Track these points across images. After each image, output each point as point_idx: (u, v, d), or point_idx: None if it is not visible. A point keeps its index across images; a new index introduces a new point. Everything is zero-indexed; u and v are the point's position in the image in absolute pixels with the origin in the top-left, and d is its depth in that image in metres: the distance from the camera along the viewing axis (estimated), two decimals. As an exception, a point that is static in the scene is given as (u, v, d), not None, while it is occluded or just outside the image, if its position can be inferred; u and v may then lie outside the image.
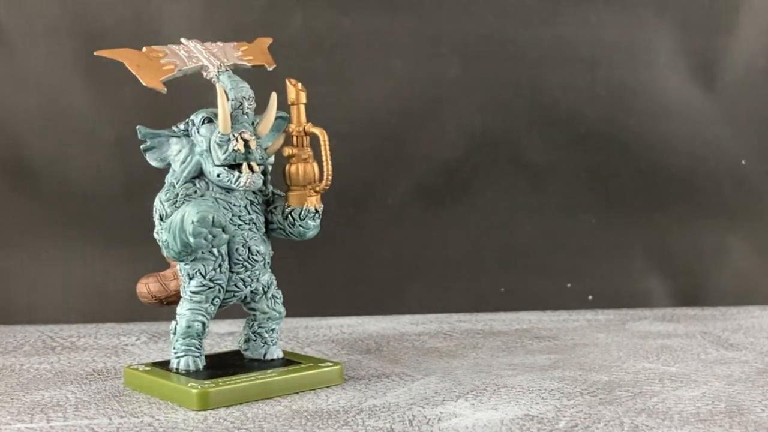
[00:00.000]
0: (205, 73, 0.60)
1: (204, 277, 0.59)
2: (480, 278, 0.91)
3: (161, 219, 0.59)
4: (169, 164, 0.60)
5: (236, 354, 0.64)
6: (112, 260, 0.87)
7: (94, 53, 0.61)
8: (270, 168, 0.62)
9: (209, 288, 0.59)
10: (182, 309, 0.60)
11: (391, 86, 0.89)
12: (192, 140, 0.59)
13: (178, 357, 0.60)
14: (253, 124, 0.60)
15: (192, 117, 0.60)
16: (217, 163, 0.58)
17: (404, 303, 0.90)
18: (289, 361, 0.62)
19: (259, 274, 0.61)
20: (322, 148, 0.60)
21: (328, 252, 0.88)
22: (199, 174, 0.59)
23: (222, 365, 0.61)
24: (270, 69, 0.64)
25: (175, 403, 0.56)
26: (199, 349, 0.60)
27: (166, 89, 0.59)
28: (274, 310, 0.63)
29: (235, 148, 0.57)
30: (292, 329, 0.82)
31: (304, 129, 0.61)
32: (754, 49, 0.94)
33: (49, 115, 0.86)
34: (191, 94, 0.65)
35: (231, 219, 0.59)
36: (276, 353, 0.63)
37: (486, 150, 0.91)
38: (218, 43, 0.63)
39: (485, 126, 0.91)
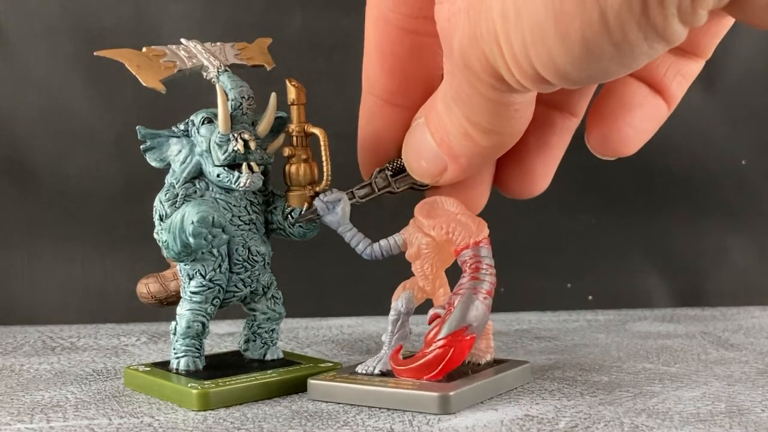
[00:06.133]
0: (205, 73, 0.60)
1: (204, 277, 0.59)
2: (480, 278, 0.91)
3: (161, 219, 0.59)
4: (169, 164, 0.60)
5: (236, 354, 0.64)
6: (112, 260, 0.87)
7: (94, 53, 0.61)
8: (270, 168, 0.62)
9: (209, 288, 0.59)
10: (182, 309, 0.60)
11: (391, 86, 0.89)
12: (192, 140, 0.59)
13: (178, 357, 0.60)
14: (253, 124, 0.60)
15: (192, 117, 0.60)
16: (217, 163, 0.58)
17: (404, 303, 0.90)
18: (288, 361, 0.62)
19: (259, 274, 0.61)
20: (322, 148, 0.60)
21: (328, 252, 0.88)
22: (199, 174, 0.59)
23: (222, 365, 0.61)
24: (269, 69, 0.64)
25: (175, 404, 0.56)
26: (199, 349, 0.60)
27: (165, 89, 0.59)
28: (274, 310, 0.63)
29: (235, 149, 0.57)
30: (292, 329, 0.82)
31: (303, 129, 0.61)
32: (754, 49, 0.94)
33: (49, 115, 0.86)
34: (191, 94, 0.65)
35: (231, 219, 0.59)
36: (276, 353, 0.63)
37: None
38: (218, 43, 0.63)
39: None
